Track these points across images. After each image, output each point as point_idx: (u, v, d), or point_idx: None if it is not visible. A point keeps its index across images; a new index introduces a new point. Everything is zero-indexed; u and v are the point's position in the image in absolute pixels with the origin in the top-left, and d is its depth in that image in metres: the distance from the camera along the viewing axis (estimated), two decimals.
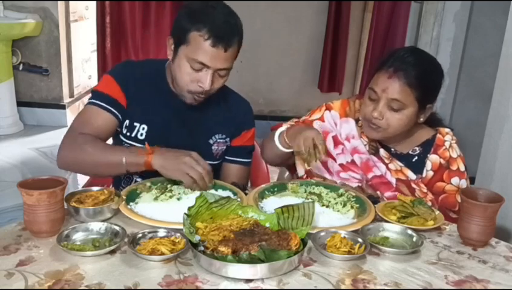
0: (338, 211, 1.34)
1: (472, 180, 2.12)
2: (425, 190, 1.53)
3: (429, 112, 1.52)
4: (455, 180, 1.54)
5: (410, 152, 1.57)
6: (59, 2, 3.84)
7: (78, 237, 1.13)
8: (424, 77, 1.44)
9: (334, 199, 1.40)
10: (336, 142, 1.61)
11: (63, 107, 4.00)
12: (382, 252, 1.15)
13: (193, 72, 1.41)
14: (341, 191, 1.44)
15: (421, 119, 1.52)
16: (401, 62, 1.44)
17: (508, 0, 2.00)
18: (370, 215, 1.28)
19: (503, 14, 2.07)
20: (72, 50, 4.09)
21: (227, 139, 1.63)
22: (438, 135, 1.58)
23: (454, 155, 1.55)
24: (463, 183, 1.54)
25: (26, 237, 1.13)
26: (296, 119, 1.68)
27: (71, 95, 4.17)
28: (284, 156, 1.56)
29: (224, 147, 1.63)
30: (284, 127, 1.55)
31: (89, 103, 1.51)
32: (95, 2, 4.06)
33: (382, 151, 1.57)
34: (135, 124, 1.53)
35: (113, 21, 4.04)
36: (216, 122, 1.60)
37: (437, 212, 1.33)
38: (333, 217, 1.30)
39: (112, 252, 1.08)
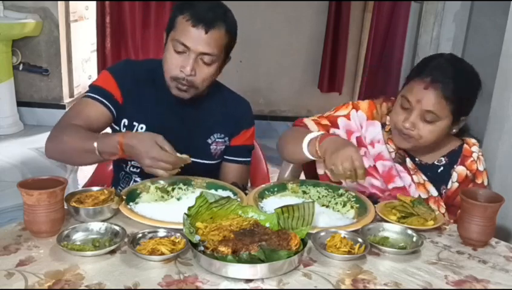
0: (338, 211, 1.34)
1: None
2: (443, 211, 1.48)
3: (463, 123, 1.48)
4: None
5: (436, 163, 1.53)
6: (58, 2, 3.84)
7: (78, 237, 1.13)
8: (462, 90, 1.37)
9: (334, 199, 1.40)
10: (360, 144, 1.53)
11: (63, 107, 4.00)
12: (382, 252, 1.15)
13: (177, 55, 1.41)
14: (341, 191, 1.43)
15: (453, 131, 1.47)
16: (439, 72, 1.36)
17: (508, 0, 2.00)
18: (370, 215, 1.28)
19: (503, 14, 2.08)
20: (72, 50, 4.09)
21: (226, 138, 1.62)
22: (465, 146, 1.53)
23: (481, 168, 1.52)
24: None
25: (26, 237, 1.13)
26: (320, 114, 1.60)
27: (71, 95, 4.17)
28: (308, 160, 1.44)
29: (223, 147, 1.62)
30: (314, 134, 1.40)
31: (84, 96, 1.51)
32: (95, 2, 4.06)
33: (408, 162, 1.51)
34: (134, 123, 1.52)
35: (113, 21, 4.04)
36: (215, 121, 1.60)
37: (437, 212, 1.33)
38: (333, 217, 1.30)
39: (112, 252, 1.08)
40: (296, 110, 4.63)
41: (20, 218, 1.17)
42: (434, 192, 1.50)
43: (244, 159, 1.66)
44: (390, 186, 1.50)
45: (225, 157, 1.65)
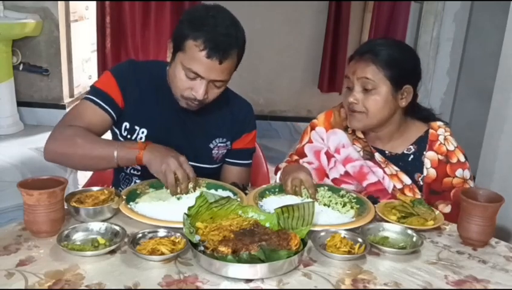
0: (338, 210, 1.35)
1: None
2: (419, 196, 1.50)
3: (411, 95, 1.50)
4: (459, 172, 1.52)
5: (405, 151, 1.56)
6: (59, 2, 3.84)
7: (78, 237, 1.13)
8: (391, 56, 1.45)
9: (335, 199, 1.40)
10: (329, 156, 1.61)
11: (63, 107, 4.00)
12: (382, 252, 1.15)
13: (188, 80, 1.39)
14: (342, 192, 1.44)
15: (403, 104, 1.50)
16: (369, 46, 1.50)
17: (508, 0, 2.00)
18: (369, 214, 1.28)
19: (503, 14, 2.08)
20: (72, 50, 4.09)
21: (228, 143, 1.61)
22: (430, 130, 1.56)
23: (451, 148, 1.53)
24: (467, 173, 1.53)
25: (26, 237, 1.13)
26: (292, 152, 1.71)
27: (71, 95, 4.17)
28: None
29: (225, 151, 1.62)
30: (283, 166, 1.59)
31: (84, 98, 1.49)
32: (95, 2, 4.06)
33: (377, 156, 1.55)
34: (135, 127, 1.51)
35: (113, 21, 4.04)
36: (216, 126, 1.58)
37: (437, 212, 1.33)
38: (331, 216, 1.30)
39: (112, 252, 1.08)
40: (296, 110, 4.63)
41: (20, 218, 1.17)
42: (407, 181, 1.52)
43: (245, 161, 1.66)
44: (365, 184, 1.54)
45: (226, 160, 1.64)
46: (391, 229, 1.24)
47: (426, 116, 1.60)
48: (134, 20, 4.10)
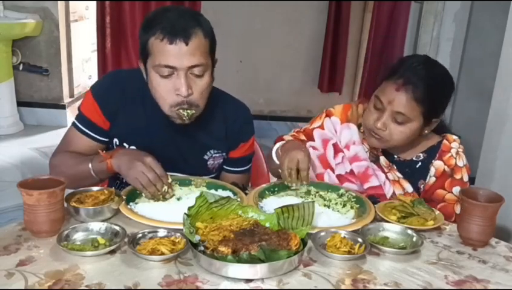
0: (338, 211, 1.35)
1: (472, 180, 2.11)
2: None
3: (435, 125, 1.49)
4: (456, 189, 1.49)
5: (414, 158, 1.54)
6: (59, 2, 3.85)
7: (78, 237, 1.13)
8: (433, 92, 1.39)
9: (335, 199, 1.40)
10: (337, 150, 1.58)
11: (63, 107, 4.01)
12: (382, 252, 1.15)
13: (165, 81, 1.30)
14: (342, 191, 1.44)
15: (425, 132, 1.48)
16: (411, 74, 1.39)
17: (508, 0, 2.00)
18: (369, 215, 1.28)
19: (503, 14, 2.08)
20: (72, 50, 4.09)
21: (224, 153, 1.57)
22: (444, 141, 1.53)
23: (460, 164, 1.51)
24: None
25: (26, 237, 1.13)
26: (298, 129, 1.68)
27: (71, 95, 4.17)
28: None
29: (221, 160, 1.58)
30: (281, 143, 1.51)
31: (72, 124, 1.49)
32: (95, 2, 4.06)
33: (382, 160, 1.53)
34: (124, 144, 1.47)
35: (113, 21, 4.03)
36: (210, 138, 1.52)
37: (437, 212, 1.33)
38: (332, 218, 1.30)
39: (112, 252, 1.08)
40: (296, 110, 4.63)
41: (20, 218, 1.17)
42: (409, 188, 1.52)
43: (243, 168, 1.63)
44: (366, 186, 1.52)
45: (224, 167, 1.61)
46: (391, 229, 1.24)
47: (443, 129, 1.57)
48: (134, 20, 4.10)
